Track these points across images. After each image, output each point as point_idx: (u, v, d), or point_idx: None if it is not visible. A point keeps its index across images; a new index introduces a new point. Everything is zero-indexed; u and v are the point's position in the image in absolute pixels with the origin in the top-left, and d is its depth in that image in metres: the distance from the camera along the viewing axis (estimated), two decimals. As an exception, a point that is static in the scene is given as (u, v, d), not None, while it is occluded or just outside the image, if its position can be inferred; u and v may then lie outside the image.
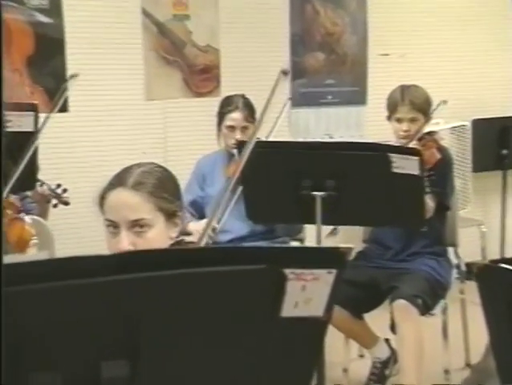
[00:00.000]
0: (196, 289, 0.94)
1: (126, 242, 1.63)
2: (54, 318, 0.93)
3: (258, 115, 3.13)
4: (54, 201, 3.04)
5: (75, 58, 3.72)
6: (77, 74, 2.94)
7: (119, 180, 1.69)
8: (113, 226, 1.66)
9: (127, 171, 1.71)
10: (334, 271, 0.98)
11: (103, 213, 1.69)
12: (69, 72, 3.69)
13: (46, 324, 0.91)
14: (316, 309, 1.01)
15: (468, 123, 4.41)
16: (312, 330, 1.04)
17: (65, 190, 3.06)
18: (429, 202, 2.77)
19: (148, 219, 1.65)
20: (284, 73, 1.91)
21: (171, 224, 1.71)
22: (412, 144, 2.82)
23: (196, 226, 2.95)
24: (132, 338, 0.95)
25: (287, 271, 0.96)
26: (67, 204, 3.06)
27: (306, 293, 0.98)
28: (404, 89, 2.99)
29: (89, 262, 0.92)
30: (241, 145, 2.69)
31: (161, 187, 1.69)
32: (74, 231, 3.75)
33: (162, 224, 1.68)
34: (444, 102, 2.84)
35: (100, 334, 0.95)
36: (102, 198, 1.69)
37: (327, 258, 0.99)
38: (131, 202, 1.65)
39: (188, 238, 1.79)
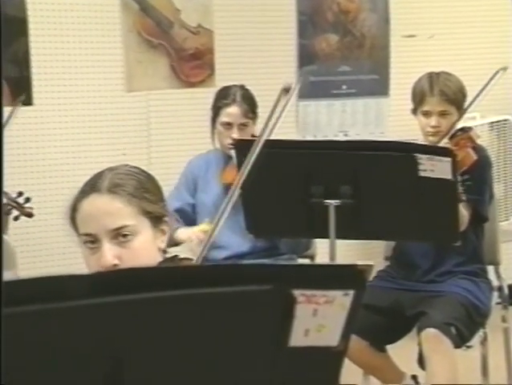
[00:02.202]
0: (189, 314, 0.96)
1: (110, 255, 1.64)
2: (20, 347, 0.94)
3: (259, 109, 3.16)
4: (15, 213, 3.05)
5: (40, 41, 3.75)
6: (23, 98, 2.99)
7: (91, 187, 1.71)
8: (91, 241, 1.67)
9: (99, 176, 1.73)
10: (351, 293, 1.00)
11: (76, 229, 1.70)
12: (33, 58, 3.73)
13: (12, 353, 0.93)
14: (330, 337, 1.02)
15: (511, 118, 4.43)
16: (325, 363, 1.06)
17: (28, 199, 3.07)
18: (463, 212, 2.79)
19: (131, 225, 1.67)
20: (286, 90, 1.91)
21: (158, 231, 1.73)
22: (443, 143, 2.84)
23: (187, 232, 2.97)
24: (113, 374, 0.96)
25: (296, 292, 0.98)
26: (30, 215, 3.08)
27: (318, 319, 1.00)
28: (432, 77, 3.01)
29: (60, 283, 0.94)
30: (239, 145, 2.72)
31: (142, 188, 1.72)
32: (39, 247, 3.76)
33: (148, 230, 1.70)
34: (504, 69, 2.81)
35: (74, 370, 0.97)
36: (73, 210, 1.71)
37: (343, 277, 1.01)
38: (109, 208, 1.67)
39: (182, 254, 1.81)
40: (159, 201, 1.75)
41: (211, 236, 1.75)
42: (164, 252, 1.75)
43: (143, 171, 1.78)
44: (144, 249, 1.68)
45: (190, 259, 1.87)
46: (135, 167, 1.78)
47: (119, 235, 1.66)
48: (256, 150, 1.89)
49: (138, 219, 1.68)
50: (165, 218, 1.75)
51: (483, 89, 2.86)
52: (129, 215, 1.67)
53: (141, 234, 1.68)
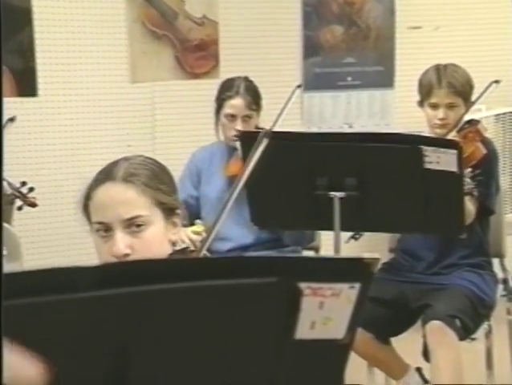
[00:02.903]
0: (195, 306, 0.96)
1: (122, 245, 1.63)
2: (23, 340, 0.94)
3: (263, 101, 3.16)
4: (18, 202, 3.06)
5: (44, 32, 3.74)
6: (14, 119, 3.01)
7: (106, 175, 1.70)
8: (104, 229, 1.67)
9: (113, 165, 1.73)
10: (357, 286, 1.00)
11: (88, 217, 1.70)
12: (38, 48, 3.73)
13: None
14: (336, 330, 1.02)
15: (516, 110, 4.42)
16: (331, 356, 1.06)
17: (31, 189, 3.07)
18: (469, 206, 2.78)
19: (145, 216, 1.66)
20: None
21: (170, 223, 1.73)
22: (451, 136, 2.83)
23: (182, 234, 2.95)
24: (120, 368, 0.96)
25: (302, 285, 0.97)
26: (33, 205, 3.08)
27: (324, 312, 1.00)
28: (440, 69, 3.00)
29: (67, 275, 0.94)
30: (243, 137, 2.71)
31: (156, 178, 1.72)
32: (44, 238, 3.77)
33: (161, 221, 1.70)
34: (497, 82, 2.84)
35: (80, 362, 0.97)
36: (87, 198, 1.70)
37: (349, 270, 1.01)
38: (124, 197, 1.67)
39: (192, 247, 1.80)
40: (172, 193, 1.75)
41: (213, 229, 1.74)
42: (174, 244, 1.75)
43: (157, 162, 1.78)
44: (156, 240, 1.68)
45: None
46: (149, 158, 1.79)
47: (133, 225, 1.65)
48: (261, 147, 1.87)
49: (151, 210, 1.68)
50: (178, 210, 1.75)
51: (471, 103, 2.94)
52: (143, 205, 1.67)
53: (154, 225, 1.68)
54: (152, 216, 1.68)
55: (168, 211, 1.72)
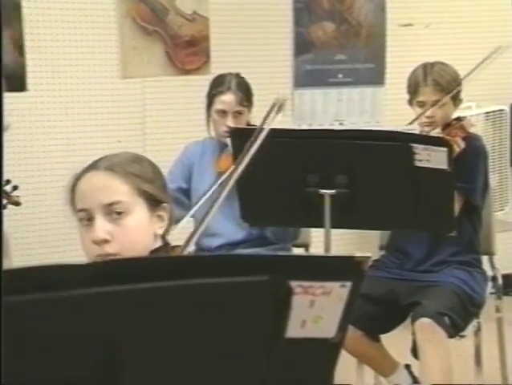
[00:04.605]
0: (185, 304, 0.95)
1: (101, 230, 1.64)
2: (17, 336, 0.94)
3: (254, 97, 3.15)
4: (2, 201, 3.04)
5: (34, 27, 3.73)
6: (8, 127, 2.99)
7: (90, 166, 1.72)
8: (87, 218, 1.67)
9: (99, 159, 1.74)
10: (348, 284, 1.00)
11: (74, 209, 1.71)
12: (27, 44, 3.71)
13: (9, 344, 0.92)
14: (327, 329, 1.02)
15: (506, 108, 4.43)
16: (322, 354, 1.06)
17: (15, 187, 3.05)
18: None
19: (125, 202, 1.67)
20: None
21: (155, 216, 1.72)
22: (435, 132, 2.84)
23: None
24: (110, 366, 0.96)
25: (293, 283, 0.97)
26: (17, 204, 3.06)
27: (315, 310, 1.00)
28: (426, 67, 3.01)
29: (57, 272, 0.93)
30: (234, 133, 2.71)
31: (141, 170, 1.72)
32: (32, 234, 3.76)
33: (144, 211, 1.70)
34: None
35: (70, 361, 0.96)
36: (72, 191, 1.72)
37: (340, 268, 1.01)
38: (105, 184, 1.68)
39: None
40: (159, 186, 1.75)
41: (202, 224, 1.72)
42: (163, 238, 1.75)
43: (145, 158, 1.79)
44: (137, 229, 1.67)
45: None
46: (137, 154, 1.80)
47: (113, 212, 1.66)
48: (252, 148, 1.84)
49: (134, 198, 1.68)
50: (164, 204, 1.75)
51: (459, 101, 3.00)
52: (125, 193, 1.67)
53: (135, 214, 1.68)
54: (134, 204, 1.68)
55: (153, 202, 1.71)
